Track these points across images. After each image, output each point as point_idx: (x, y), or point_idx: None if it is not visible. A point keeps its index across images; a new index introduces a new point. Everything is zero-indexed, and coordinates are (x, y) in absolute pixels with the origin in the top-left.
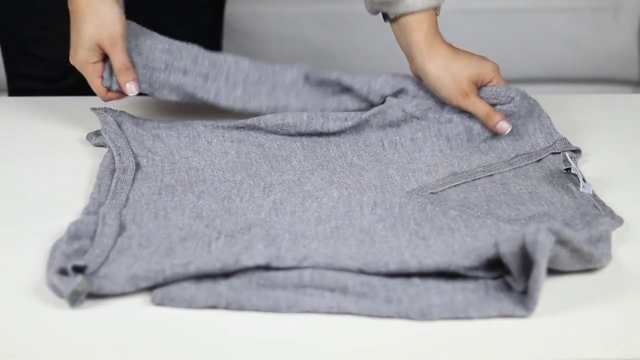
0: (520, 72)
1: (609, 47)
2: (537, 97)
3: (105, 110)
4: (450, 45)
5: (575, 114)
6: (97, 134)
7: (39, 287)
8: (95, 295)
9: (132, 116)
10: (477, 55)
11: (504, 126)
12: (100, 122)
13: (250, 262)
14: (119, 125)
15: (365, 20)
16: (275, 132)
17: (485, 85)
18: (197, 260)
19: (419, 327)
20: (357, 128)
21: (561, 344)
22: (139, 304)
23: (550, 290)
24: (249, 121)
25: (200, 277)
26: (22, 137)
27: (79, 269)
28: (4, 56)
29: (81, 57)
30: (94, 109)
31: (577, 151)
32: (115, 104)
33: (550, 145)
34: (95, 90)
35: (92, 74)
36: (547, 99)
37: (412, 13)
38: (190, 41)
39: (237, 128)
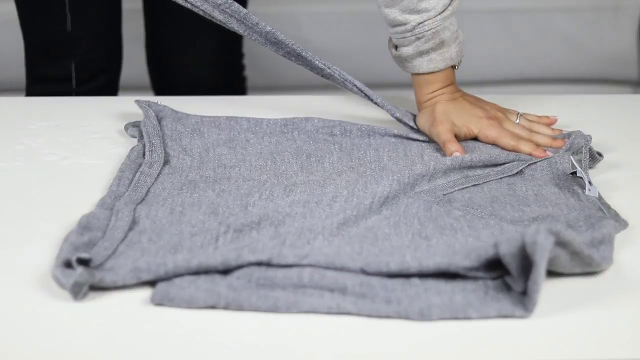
0: (520, 72)
1: (609, 47)
2: (537, 98)
3: (149, 104)
4: (451, 99)
5: (575, 114)
6: (134, 125)
7: (47, 280)
8: (97, 290)
9: (175, 111)
10: (464, 118)
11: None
12: (143, 115)
13: (252, 258)
14: (160, 121)
15: (364, 20)
16: (317, 134)
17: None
18: (200, 255)
19: (418, 327)
20: (401, 137)
21: (560, 345)
22: (138, 303)
23: (549, 291)
24: (295, 120)
25: (200, 276)
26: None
27: (83, 262)
28: (26, 61)
29: None
30: (137, 101)
31: (599, 154)
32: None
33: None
34: None
35: None
36: (547, 99)
37: (418, 74)
38: None
39: (281, 126)
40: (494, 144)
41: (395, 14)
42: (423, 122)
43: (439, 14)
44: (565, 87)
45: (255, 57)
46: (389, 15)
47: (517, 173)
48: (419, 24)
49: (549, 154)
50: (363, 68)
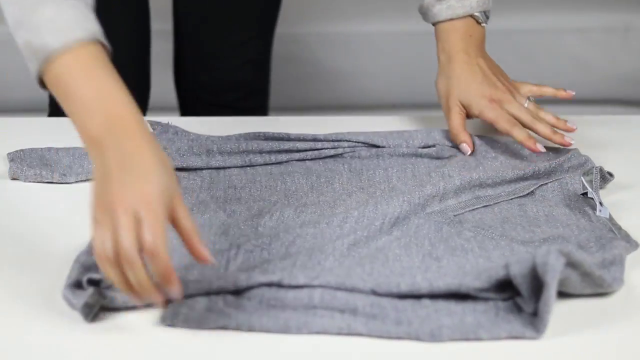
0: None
1: (620, 68)
2: None
3: (162, 126)
4: (467, 62)
5: (585, 135)
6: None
7: (57, 300)
8: (108, 311)
9: (186, 132)
10: (482, 82)
11: (464, 148)
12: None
13: (262, 279)
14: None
15: (375, 41)
16: (327, 157)
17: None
18: (210, 276)
19: (429, 348)
20: (408, 156)
21: None
22: (149, 324)
23: (560, 312)
24: (307, 145)
25: (211, 297)
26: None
27: (94, 282)
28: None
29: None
30: (151, 122)
31: (609, 174)
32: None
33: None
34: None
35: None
36: None
37: (439, 22)
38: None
39: (290, 150)
40: (492, 124)
41: None
42: (442, 90)
43: None
44: (575, 108)
45: (274, 78)
46: None
47: (527, 194)
48: None
49: (541, 149)
50: (373, 89)
